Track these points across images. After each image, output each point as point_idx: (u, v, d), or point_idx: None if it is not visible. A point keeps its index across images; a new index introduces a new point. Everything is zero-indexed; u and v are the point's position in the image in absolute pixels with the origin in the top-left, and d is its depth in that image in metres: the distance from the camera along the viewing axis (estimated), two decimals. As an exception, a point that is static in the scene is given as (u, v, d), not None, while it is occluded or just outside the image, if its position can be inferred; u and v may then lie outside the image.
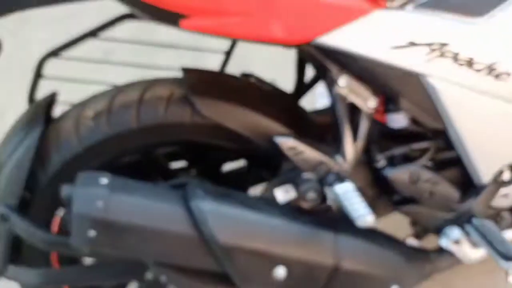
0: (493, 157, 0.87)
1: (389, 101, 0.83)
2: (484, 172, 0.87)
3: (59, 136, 0.83)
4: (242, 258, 0.70)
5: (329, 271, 0.74)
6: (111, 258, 0.79)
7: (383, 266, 0.80)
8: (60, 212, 0.87)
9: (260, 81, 0.94)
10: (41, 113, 0.84)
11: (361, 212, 0.69)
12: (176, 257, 0.71)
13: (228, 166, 1.00)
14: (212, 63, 1.02)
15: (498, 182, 0.90)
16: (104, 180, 0.69)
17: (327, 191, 0.77)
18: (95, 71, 0.98)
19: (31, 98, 0.91)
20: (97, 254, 0.75)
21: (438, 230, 0.90)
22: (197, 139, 0.84)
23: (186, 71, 0.86)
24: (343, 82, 0.78)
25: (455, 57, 0.73)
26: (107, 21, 0.88)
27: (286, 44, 0.72)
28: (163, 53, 1.32)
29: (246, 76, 0.95)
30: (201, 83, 0.84)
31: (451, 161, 0.87)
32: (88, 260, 0.90)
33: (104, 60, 1.09)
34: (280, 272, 0.73)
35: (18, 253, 0.86)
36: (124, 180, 0.73)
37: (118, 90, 0.85)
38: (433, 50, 0.73)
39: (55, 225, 0.81)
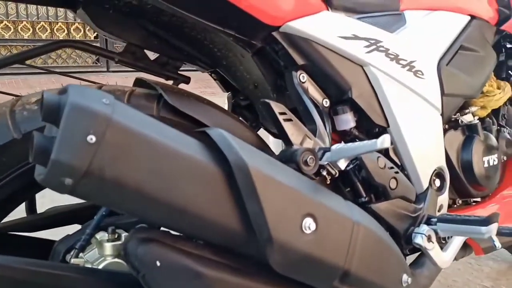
0: (425, 160, 0.97)
1: (336, 105, 0.90)
2: (422, 177, 0.96)
3: None
4: (272, 195, 0.55)
5: (351, 227, 0.64)
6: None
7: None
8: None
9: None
10: None
11: (372, 141, 0.66)
12: (193, 196, 0.51)
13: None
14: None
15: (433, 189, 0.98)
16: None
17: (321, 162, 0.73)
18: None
19: None
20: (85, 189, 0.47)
21: (408, 238, 0.89)
22: None
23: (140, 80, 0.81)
24: (304, 77, 0.84)
25: (387, 52, 0.90)
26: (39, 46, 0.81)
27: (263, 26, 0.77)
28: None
29: None
30: (164, 85, 0.79)
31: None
32: None
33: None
34: (309, 223, 0.59)
35: None
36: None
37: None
38: (371, 44, 0.88)
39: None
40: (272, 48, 0.84)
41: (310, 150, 0.70)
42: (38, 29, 4.96)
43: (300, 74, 0.84)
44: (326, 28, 0.84)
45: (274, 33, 0.80)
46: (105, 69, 5.20)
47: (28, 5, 4.88)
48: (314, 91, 0.86)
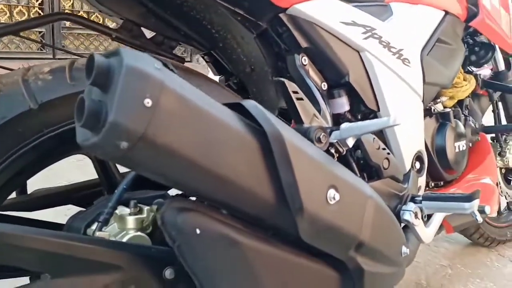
0: (409, 144, 1.03)
1: (333, 88, 0.94)
2: (405, 159, 1.02)
3: None
4: (303, 165, 0.57)
5: (365, 200, 0.68)
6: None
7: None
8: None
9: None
10: None
11: (383, 119, 0.70)
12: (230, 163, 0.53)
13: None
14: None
15: (414, 171, 1.05)
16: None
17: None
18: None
19: None
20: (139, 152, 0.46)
21: (397, 216, 0.95)
22: None
23: None
24: (306, 60, 0.87)
25: (380, 39, 0.94)
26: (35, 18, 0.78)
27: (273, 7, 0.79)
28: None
29: None
30: (174, 62, 0.78)
31: None
32: None
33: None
34: (334, 194, 0.62)
35: None
36: None
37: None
38: (367, 30, 0.92)
39: None
40: (275, 30, 0.86)
41: (322, 128, 0.73)
42: (-22, 10, 4.62)
43: (302, 57, 0.86)
44: (329, 13, 0.87)
45: (281, 15, 0.82)
46: (51, 57, 4.94)
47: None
48: (314, 74, 0.89)
